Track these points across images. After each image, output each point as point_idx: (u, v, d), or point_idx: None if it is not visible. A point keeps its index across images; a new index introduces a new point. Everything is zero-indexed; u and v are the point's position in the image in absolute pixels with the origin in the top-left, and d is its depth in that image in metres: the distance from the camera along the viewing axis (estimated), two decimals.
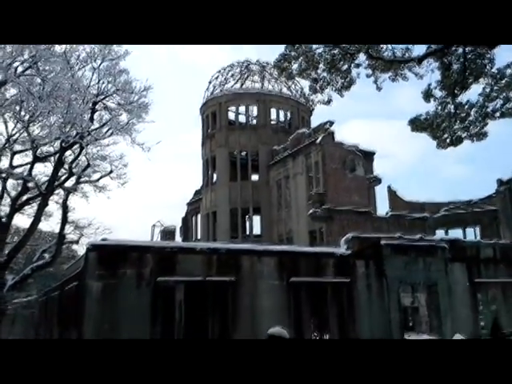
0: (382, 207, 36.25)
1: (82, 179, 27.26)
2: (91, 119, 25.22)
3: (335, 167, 32.64)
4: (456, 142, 16.63)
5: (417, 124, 16.85)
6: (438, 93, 15.72)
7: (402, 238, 22.73)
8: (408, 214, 33.39)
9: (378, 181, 36.11)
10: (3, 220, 25.85)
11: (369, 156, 36.03)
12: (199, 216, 45.87)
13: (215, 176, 42.44)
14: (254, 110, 43.14)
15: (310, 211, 32.14)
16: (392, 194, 36.26)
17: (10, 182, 27.37)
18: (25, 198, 26.44)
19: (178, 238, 45.93)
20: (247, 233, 40.34)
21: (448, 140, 17.01)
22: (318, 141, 33.70)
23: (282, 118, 43.32)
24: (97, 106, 25.77)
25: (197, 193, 47.47)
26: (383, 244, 21.70)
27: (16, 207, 26.19)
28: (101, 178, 27.87)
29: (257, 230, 40.64)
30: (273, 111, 43.06)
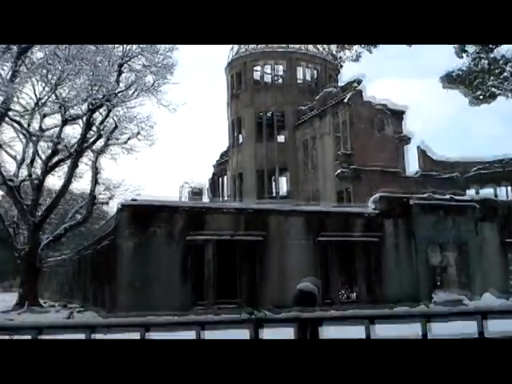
0: (412, 167, 35.67)
1: (110, 141, 27.58)
2: (117, 81, 25.27)
3: (363, 126, 32.04)
4: (489, 98, 16.07)
5: (449, 81, 16.28)
6: (471, 48, 15.05)
7: (431, 198, 22.43)
8: (438, 173, 32.81)
9: (407, 140, 35.36)
10: (35, 182, 26.54)
11: (398, 115, 35.18)
12: (226, 177, 46.08)
13: (241, 137, 42.30)
14: (280, 69, 42.37)
15: (338, 171, 31.86)
16: (422, 153, 35.54)
17: (41, 145, 27.91)
18: (55, 159, 26.96)
19: (206, 199, 46.40)
20: (274, 194, 40.41)
21: (481, 97, 16.43)
22: (345, 99, 33.03)
23: (308, 77, 42.47)
24: (122, 68, 25.75)
25: (223, 154, 47.53)
26: (412, 203, 21.49)
27: (47, 169, 26.80)
28: (129, 139, 28.16)
29: (283, 191, 40.65)
30: (299, 70, 42.20)
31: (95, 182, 26.98)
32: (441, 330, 4.02)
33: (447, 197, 23.04)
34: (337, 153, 33.18)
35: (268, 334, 3.99)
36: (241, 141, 42.35)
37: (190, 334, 3.95)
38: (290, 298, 4.52)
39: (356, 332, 4.14)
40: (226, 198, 44.81)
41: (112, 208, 32.35)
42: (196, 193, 47.05)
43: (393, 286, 20.09)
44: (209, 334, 3.99)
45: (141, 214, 17.82)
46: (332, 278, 19.72)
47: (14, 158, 27.65)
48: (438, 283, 22.38)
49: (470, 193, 31.43)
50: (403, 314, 3.70)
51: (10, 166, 28.07)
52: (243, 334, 3.98)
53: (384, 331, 3.94)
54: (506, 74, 15.27)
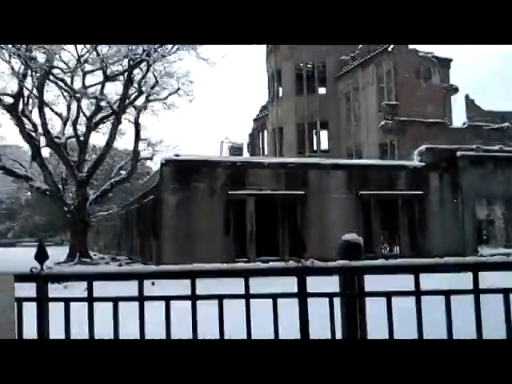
0: (459, 118, 34.34)
1: (151, 97, 27.75)
2: None
3: (408, 76, 30.81)
4: None
5: None
6: None
7: (479, 149, 21.61)
8: (487, 124, 31.44)
9: (454, 90, 33.86)
10: (81, 139, 27.18)
11: (445, 63, 33.58)
12: (266, 132, 45.77)
13: (281, 90, 41.60)
14: None
15: (381, 123, 31.04)
16: (470, 103, 34.04)
17: (84, 102, 28.39)
18: (99, 116, 27.44)
19: (246, 154, 46.46)
20: (314, 148, 39.95)
21: None
22: (390, 48, 31.73)
23: None
24: None
25: (263, 108, 47.04)
26: (459, 155, 20.77)
27: (91, 126, 27.34)
28: (169, 95, 28.25)
29: (324, 145, 40.10)
30: None
31: (138, 138, 27.37)
32: (490, 281, 3.92)
33: (496, 148, 22.13)
34: (380, 104, 32.20)
35: (314, 282, 3.99)
36: (281, 94, 41.69)
37: (237, 282, 4.00)
38: (332, 251, 4.49)
39: (403, 282, 4.10)
40: (266, 154, 44.70)
41: (155, 164, 32.92)
42: (236, 148, 47.20)
43: (437, 239, 19.77)
44: (256, 282, 4.04)
45: (183, 170, 18.05)
46: (374, 232, 19.57)
47: (60, 115, 28.30)
48: (485, 237, 21.87)
49: None
50: (454, 263, 3.57)
51: (56, 124, 28.82)
52: (290, 282, 4.00)
53: (432, 283, 3.87)
54: None
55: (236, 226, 18.23)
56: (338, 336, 3.85)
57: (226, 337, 3.73)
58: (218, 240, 17.70)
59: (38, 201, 43.49)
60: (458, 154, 20.82)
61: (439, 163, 20.53)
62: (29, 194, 52.63)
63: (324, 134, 40.32)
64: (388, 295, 3.61)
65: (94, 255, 28.94)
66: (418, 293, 3.51)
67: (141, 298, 3.74)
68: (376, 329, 4.24)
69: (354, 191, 19.60)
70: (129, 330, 4.02)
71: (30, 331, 4.13)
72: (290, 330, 4.16)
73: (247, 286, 3.79)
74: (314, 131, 40.10)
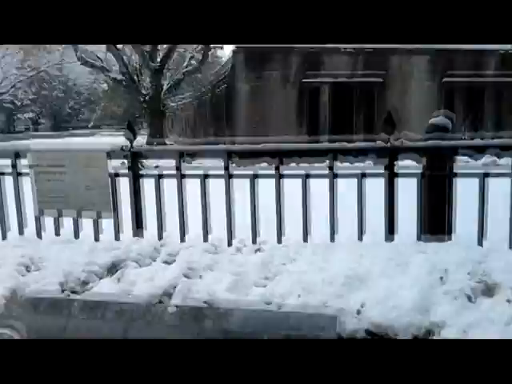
0: None
1: None
2: None
3: None
4: None
5: None
6: None
7: None
8: None
9: None
10: None
11: None
12: None
13: None
14: None
15: None
16: None
17: None
18: None
19: None
20: None
21: None
22: None
23: None
24: None
25: None
26: None
27: None
28: None
29: None
30: None
31: None
32: None
33: None
34: None
35: (402, 163, 3.90)
36: None
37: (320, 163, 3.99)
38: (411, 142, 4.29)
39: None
40: None
41: (227, 52, 32.34)
42: None
43: None
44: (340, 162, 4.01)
45: (255, 58, 17.60)
46: (457, 121, 18.57)
47: None
48: None
49: None
50: None
51: None
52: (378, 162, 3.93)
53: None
54: None
55: (310, 116, 17.94)
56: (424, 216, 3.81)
57: (311, 210, 3.82)
58: (292, 129, 17.59)
59: (115, 91, 44.65)
60: None
61: None
62: (105, 85, 54.15)
63: None
64: (481, 176, 3.46)
65: (171, 144, 29.97)
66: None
67: (227, 175, 3.85)
68: (462, 210, 4.16)
69: (437, 78, 18.39)
70: (215, 205, 4.20)
71: (125, 205, 4.43)
72: (372, 211, 4.17)
73: (331, 166, 3.78)
74: None
